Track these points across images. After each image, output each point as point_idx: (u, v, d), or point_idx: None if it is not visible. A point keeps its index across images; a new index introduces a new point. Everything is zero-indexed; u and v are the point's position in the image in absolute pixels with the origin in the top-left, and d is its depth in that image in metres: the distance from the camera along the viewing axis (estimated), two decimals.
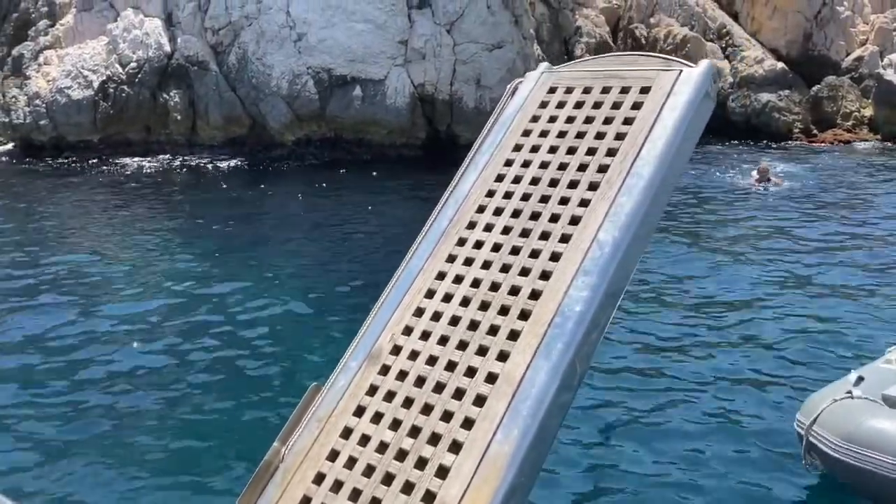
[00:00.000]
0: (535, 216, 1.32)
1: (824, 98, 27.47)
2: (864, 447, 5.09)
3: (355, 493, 1.14)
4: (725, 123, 26.28)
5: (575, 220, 1.27)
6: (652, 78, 1.37)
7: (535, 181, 1.36)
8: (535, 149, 1.41)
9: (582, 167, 1.34)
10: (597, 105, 1.41)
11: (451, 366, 1.21)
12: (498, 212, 1.36)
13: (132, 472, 6.14)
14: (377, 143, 21.97)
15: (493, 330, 1.21)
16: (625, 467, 6.13)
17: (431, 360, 1.23)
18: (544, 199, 1.33)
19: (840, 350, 8.29)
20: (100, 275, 11.56)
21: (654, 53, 1.46)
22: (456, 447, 1.12)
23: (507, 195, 1.37)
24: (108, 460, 6.31)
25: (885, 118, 26.27)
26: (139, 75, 22.37)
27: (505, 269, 1.28)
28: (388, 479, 1.13)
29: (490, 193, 1.39)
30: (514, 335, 1.19)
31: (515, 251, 1.29)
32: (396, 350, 1.27)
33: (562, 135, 1.40)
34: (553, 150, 1.39)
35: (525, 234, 1.30)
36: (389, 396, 1.22)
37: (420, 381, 1.21)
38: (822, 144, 25.72)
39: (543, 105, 1.47)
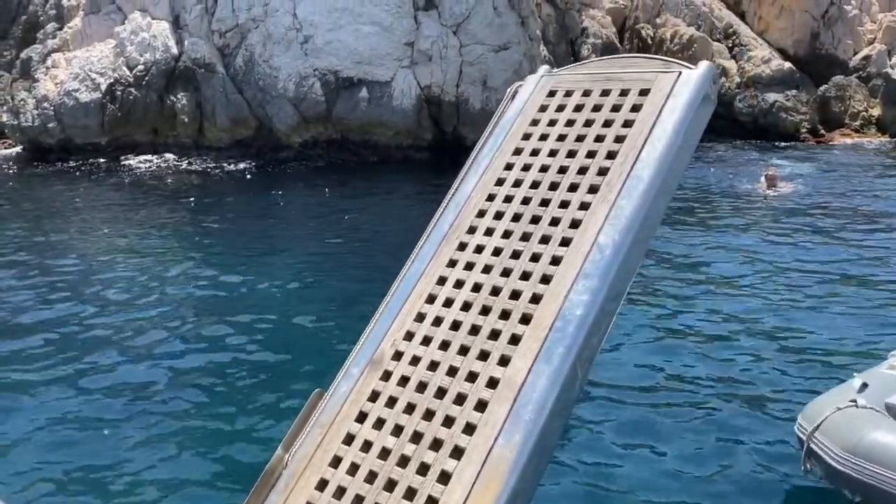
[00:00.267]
0: (535, 220, 1.31)
1: (832, 98, 27.39)
2: (866, 460, 5.04)
3: (358, 500, 1.14)
4: (732, 123, 26.22)
5: (575, 224, 1.26)
6: (651, 80, 1.36)
7: (535, 185, 1.36)
8: (535, 152, 1.41)
9: (582, 170, 1.33)
10: (596, 108, 1.40)
11: (452, 371, 1.20)
12: (498, 216, 1.35)
13: (131, 478, 6.14)
14: (383, 144, 22.00)
15: (495, 334, 1.21)
16: (619, 471, 6.09)
17: (433, 366, 1.23)
18: (544, 203, 1.32)
19: (841, 353, 8.24)
20: (106, 277, 11.60)
21: (654, 55, 1.45)
22: (458, 453, 1.12)
23: (508, 199, 1.37)
24: (109, 465, 6.32)
25: (893, 118, 26.20)
26: (146, 78, 22.46)
27: (506, 273, 1.27)
28: (390, 485, 1.13)
29: (490, 197, 1.39)
30: (515, 339, 1.19)
31: (516, 255, 1.29)
32: (398, 356, 1.27)
33: (561, 138, 1.40)
34: (553, 153, 1.39)
35: (525, 237, 1.30)
36: (391, 402, 1.22)
37: (422, 387, 1.21)
38: (833, 142, 25.61)
39: (543, 108, 1.47)
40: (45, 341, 8.99)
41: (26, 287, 11.14)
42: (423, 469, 1.12)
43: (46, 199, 17.84)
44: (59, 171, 21.51)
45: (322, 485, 1.18)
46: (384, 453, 1.17)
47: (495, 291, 1.26)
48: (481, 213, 1.37)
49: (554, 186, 1.34)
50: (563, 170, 1.35)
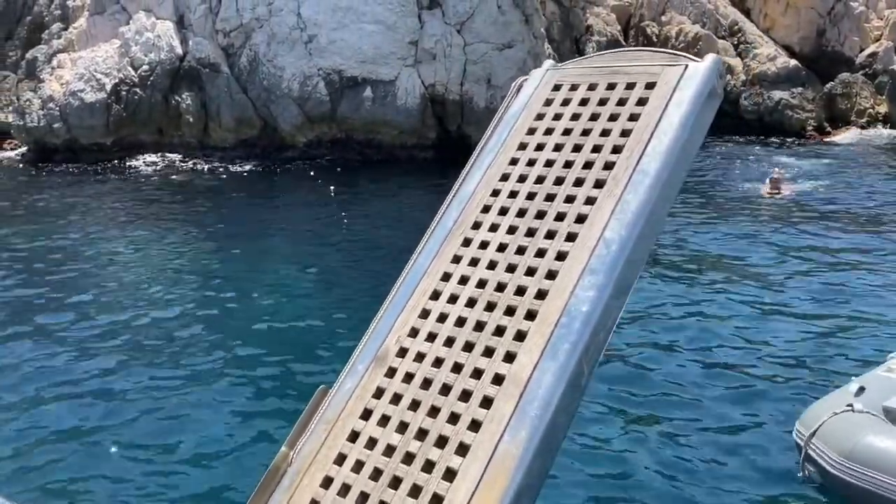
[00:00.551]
0: (540, 215, 1.30)
1: (838, 95, 27.29)
2: (863, 465, 5.00)
3: (363, 497, 1.13)
4: (738, 121, 26.14)
5: (581, 219, 1.25)
6: (657, 73, 1.35)
7: (540, 180, 1.35)
8: (539, 147, 1.40)
9: (587, 165, 1.32)
10: (602, 102, 1.39)
11: (457, 367, 1.19)
12: (503, 211, 1.34)
13: (140, 475, 6.15)
14: (388, 143, 21.99)
15: (500, 331, 1.20)
16: (618, 472, 6.09)
17: (438, 362, 1.22)
18: (549, 198, 1.31)
19: (842, 355, 8.20)
20: (110, 276, 11.63)
21: (660, 49, 1.44)
22: (463, 449, 1.11)
23: (512, 194, 1.35)
24: (116, 461, 6.33)
25: None
26: (151, 78, 22.50)
27: (510, 269, 1.26)
28: (395, 482, 1.12)
29: (495, 193, 1.38)
30: (520, 336, 1.18)
31: (521, 251, 1.27)
32: (403, 352, 1.26)
33: (567, 132, 1.39)
34: (558, 147, 1.37)
35: (530, 233, 1.29)
36: (396, 399, 1.21)
37: (426, 384, 1.20)
38: (838, 137, 25.47)
39: (548, 103, 1.45)
40: (48, 340, 9.02)
41: (31, 286, 11.17)
42: (429, 466, 1.11)
43: (52, 199, 17.89)
44: (64, 172, 21.57)
45: (327, 482, 1.17)
46: (389, 450, 1.16)
47: (500, 287, 1.25)
48: (486, 209, 1.36)
49: (559, 181, 1.33)
50: (568, 164, 1.34)
